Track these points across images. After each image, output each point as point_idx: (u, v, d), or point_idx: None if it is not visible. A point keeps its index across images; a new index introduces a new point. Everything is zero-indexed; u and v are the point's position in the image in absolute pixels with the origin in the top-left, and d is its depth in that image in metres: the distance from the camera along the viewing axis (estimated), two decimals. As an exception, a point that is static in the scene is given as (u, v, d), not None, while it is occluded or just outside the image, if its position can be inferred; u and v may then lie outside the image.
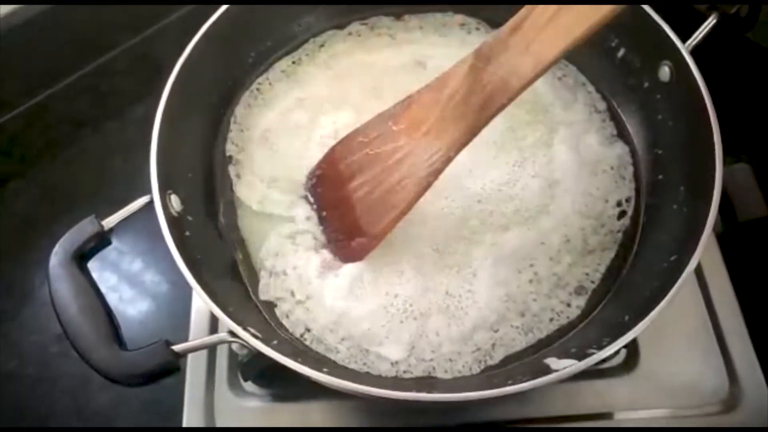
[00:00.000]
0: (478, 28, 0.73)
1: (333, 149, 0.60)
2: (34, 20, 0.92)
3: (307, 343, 0.57)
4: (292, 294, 0.59)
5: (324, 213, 0.60)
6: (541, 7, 0.48)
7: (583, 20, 0.47)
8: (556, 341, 0.57)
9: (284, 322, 0.58)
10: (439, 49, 0.70)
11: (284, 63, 0.72)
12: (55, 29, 0.95)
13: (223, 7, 0.64)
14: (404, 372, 0.56)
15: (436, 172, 0.53)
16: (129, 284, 0.81)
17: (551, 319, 0.58)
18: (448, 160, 0.52)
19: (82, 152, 0.93)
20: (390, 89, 0.64)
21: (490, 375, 0.55)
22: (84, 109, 0.97)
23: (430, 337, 0.56)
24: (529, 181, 0.63)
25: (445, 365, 0.56)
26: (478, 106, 0.50)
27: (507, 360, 0.56)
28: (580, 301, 0.59)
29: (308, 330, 0.58)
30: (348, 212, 0.57)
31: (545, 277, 0.59)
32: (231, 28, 0.65)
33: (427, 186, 0.54)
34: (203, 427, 0.63)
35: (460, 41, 0.71)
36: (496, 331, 0.57)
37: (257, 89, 0.71)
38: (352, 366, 0.56)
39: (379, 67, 0.70)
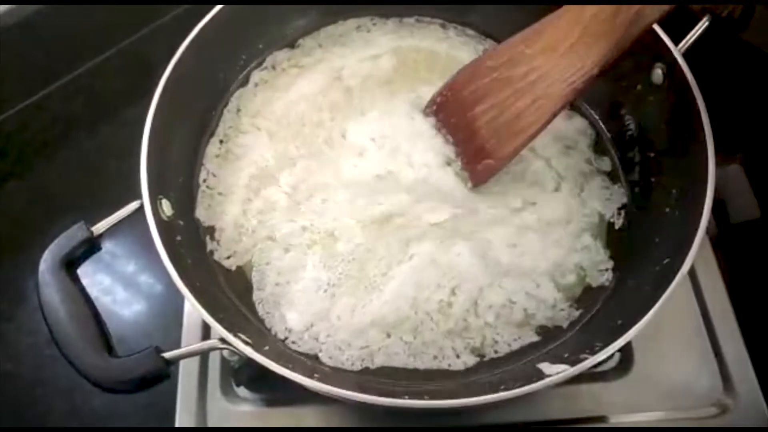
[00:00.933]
0: (374, 24, 0.73)
1: (454, 78, 0.60)
2: (28, 20, 0.92)
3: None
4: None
5: (449, 137, 0.61)
6: None
7: None
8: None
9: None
10: (347, 59, 0.70)
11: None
12: (50, 29, 0.95)
13: (212, 12, 0.64)
14: (292, 343, 0.57)
15: (575, 91, 0.54)
16: (121, 287, 0.80)
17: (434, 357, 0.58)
18: (591, 78, 0.53)
19: (77, 153, 0.93)
20: (326, 112, 0.67)
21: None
22: (79, 110, 0.97)
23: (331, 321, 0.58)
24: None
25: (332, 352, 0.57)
26: (627, 22, 0.50)
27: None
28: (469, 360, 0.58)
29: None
30: (472, 137, 0.59)
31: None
32: (222, 32, 0.65)
33: (564, 105, 0.55)
34: (200, 427, 0.63)
35: (363, 42, 0.72)
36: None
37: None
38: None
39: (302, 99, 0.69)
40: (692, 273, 0.68)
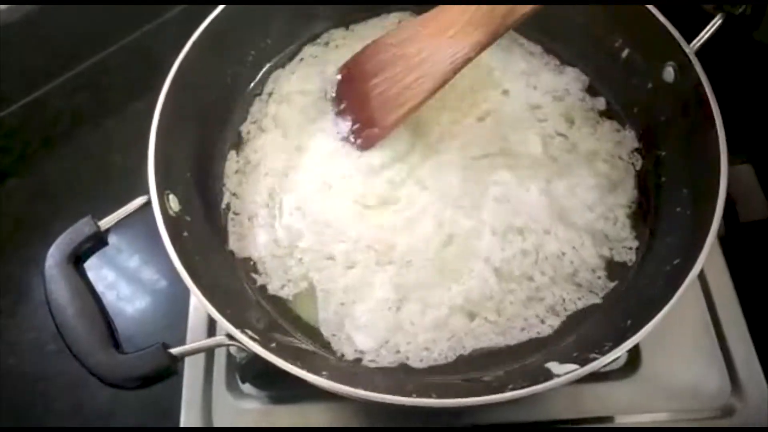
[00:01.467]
0: None
1: (364, 50, 0.66)
2: (32, 16, 0.92)
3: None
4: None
5: (342, 105, 0.66)
6: None
7: None
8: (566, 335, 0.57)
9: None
10: None
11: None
12: (53, 25, 0.95)
13: (218, 8, 0.64)
14: (369, 361, 0.57)
15: (455, 69, 0.59)
16: (127, 283, 0.80)
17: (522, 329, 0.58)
18: (468, 60, 0.59)
19: (81, 149, 0.93)
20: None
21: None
22: (83, 105, 0.96)
23: (406, 328, 0.57)
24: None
25: (421, 354, 0.57)
26: (501, 15, 0.56)
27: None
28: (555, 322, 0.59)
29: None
30: (365, 105, 0.64)
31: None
32: (229, 26, 0.65)
33: (443, 83, 0.60)
34: (202, 427, 0.63)
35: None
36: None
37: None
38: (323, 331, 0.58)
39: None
40: (701, 273, 0.67)
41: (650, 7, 0.60)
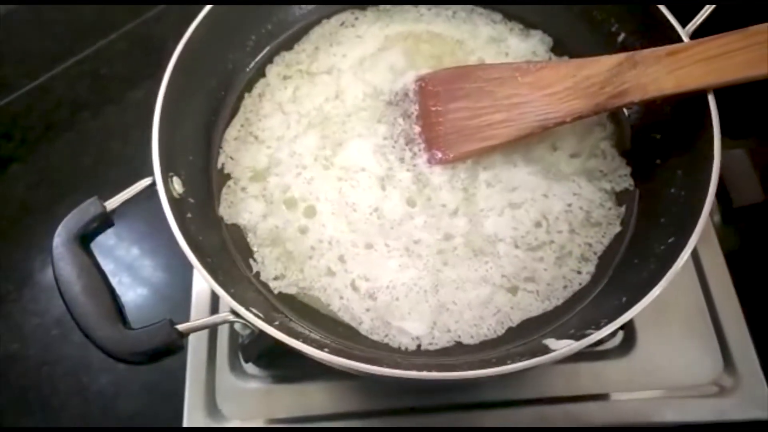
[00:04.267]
0: (356, 18, 0.74)
1: (447, 71, 0.66)
2: (35, 3, 0.92)
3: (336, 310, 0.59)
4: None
5: (414, 113, 0.66)
6: (705, 45, 0.55)
7: (737, 71, 0.54)
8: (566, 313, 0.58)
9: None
10: (348, 59, 0.71)
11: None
12: (55, 12, 0.95)
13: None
14: (428, 344, 0.57)
15: (544, 127, 0.60)
16: (128, 268, 0.82)
17: (565, 287, 0.59)
18: (561, 123, 0.60)
19: (82, 135, 0.94)
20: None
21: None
22: (84, 92, 0.97)
23: (451, 308, 0.58)
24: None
25: (470, 331, 0.58)
26: (610, 94, 0.57)
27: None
28: (590, 267, 0.60)
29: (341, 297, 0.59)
30: (436, 125, 0.64)
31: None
32: (231, 12, 0.65)
33: (528, 134, 0.60)
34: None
35: (354, 37, 0.73)
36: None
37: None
38: (374, 337, 0.57)
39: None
40: (695, 255, 0.69)
41: (646, -9, 0.61)
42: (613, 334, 0.65)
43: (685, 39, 0.58)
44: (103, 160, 0.91)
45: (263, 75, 0.71)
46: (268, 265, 0.61)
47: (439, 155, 0.63)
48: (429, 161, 0.63)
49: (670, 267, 0.50)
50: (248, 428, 0.64)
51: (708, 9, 0.60)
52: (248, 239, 0.63)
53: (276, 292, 0.60)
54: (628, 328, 0.66)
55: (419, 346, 0.57)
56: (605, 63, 0.59)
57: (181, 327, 0.48)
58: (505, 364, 0.47)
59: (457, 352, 0.56)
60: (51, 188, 0.89)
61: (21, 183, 0.89)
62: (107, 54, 1.00)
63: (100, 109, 0.96)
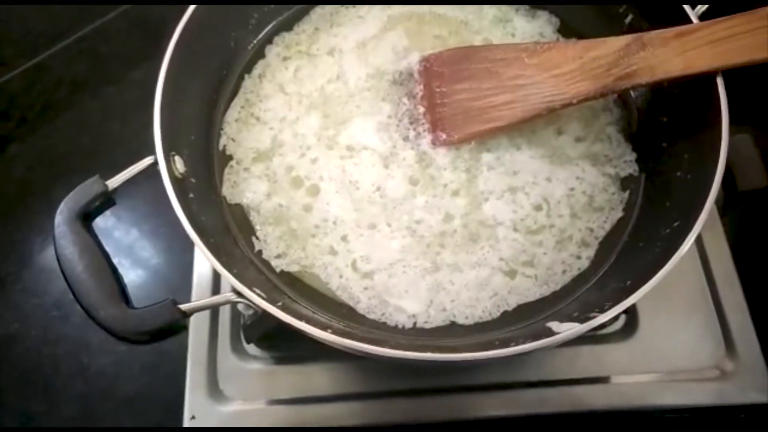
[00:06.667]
0: None
1: (452, 51, 0.65)
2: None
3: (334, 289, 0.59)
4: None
5: (419, 94, 0.65)
6: (713, 27, 0.55)
7: (744, 53, 0.54)
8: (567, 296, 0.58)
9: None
10: (349, 40, 0.70)
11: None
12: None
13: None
14: (424, 323, 0.57)
15: (550, 109, 0.59)
16: (128, 248, 0.81)
17: (564, 272, 0.59)
18: (567, 104, 0.59)
19: (81, 115, 0.93)
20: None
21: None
22: (83, 72, 0.96)
23: (447, 288, 0.58)
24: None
25: (465, 312, 0.58)
26: (617, 76, 0.57)
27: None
28: (590, 252, 0.60)
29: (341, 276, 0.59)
30: (441, 105, 0.63)
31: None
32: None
33: (534, 116, 0.60)
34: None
35: (356, 17, 0.72)
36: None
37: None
38: (371, 316, 0.58)
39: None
40: (698, 238, 0.69)
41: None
42: (616, 317, 0.64)
43: (694, 20, 0.58)
44: (103, 141, 0.90)
45: (263, 56, 0.70)
46: (270, 243, 0.61)
47: (444, 136, 0.63)
48: (433, 142, 0.63)
49: (675, 250, 0.50)
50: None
51: (717, -10, 0.59)
52: (251, 218, 0.62)
53: (278, 270, 0.60)
54: (631, 311, 0.66)
55: (415, 323, 0.57)
56: (613, 44, 0.58)
57: (184, 306, 0.48)
58: (508, 346, 0.47)
59: (451, 332, 0.56)
60: (50, 168, 0.89)
61: (20, 163, 0.89)
62: (107, 33, 0.99)
63: (100, 88, 0.95)
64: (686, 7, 0.58)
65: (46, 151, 0.90)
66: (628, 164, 0.63)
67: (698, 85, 0.56)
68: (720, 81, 0.55)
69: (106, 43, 0.98)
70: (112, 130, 0.91)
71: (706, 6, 0.59)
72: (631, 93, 0.65)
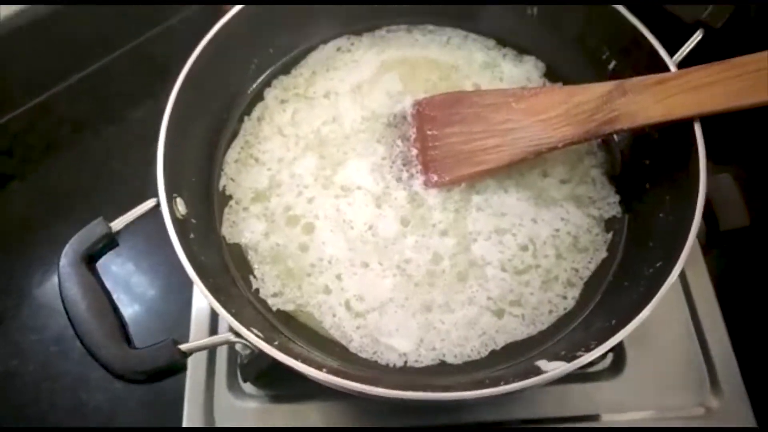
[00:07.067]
0: (352, 43, 0.76)
1: (444, 95, 0.67)
2: (39, 21, 0.94)
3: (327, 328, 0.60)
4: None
5: (413, 137, 0.68)
6: (690, 75, 0.58)
7: (720, 101, 0.56)
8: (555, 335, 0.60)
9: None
10: (345, 83, 0.73)
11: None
12: (59, 30, 0.97)
13: (229, 15, 0.66)
14: (414, 361, 0.59)
15: (537, 153, 0.62)
16: (127, 285, 0.82)
17: (550, 311, 0.61)
18: (553, 148, 0.61)
19: (83, 154, 0.95)
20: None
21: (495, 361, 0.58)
22: (85, 111, 0.99)
23: (437, 327, 0.60)
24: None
25: (455, 350, 0.59)
26: (600, 121, 0.60)
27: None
28: (575, 292, 0.62)
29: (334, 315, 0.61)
30: (433, 148, 0.65)
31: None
32: (236, 36, 0.67)
33: (521, 159, 0.62)
34: (204, 427, 0.65)
35: (351, 61, 0.75)
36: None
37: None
38: (363, 355, 0.59)
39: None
40: (683, 277, 0.71)
41: (635, 21, 0.63)
42: (603, 355, 0.66)
43: (673, 68, 0.61)
44: (104, 179, 0.92)
45: (262, 98, 0.73)
46: (267, 282, 0.63)
47: (435, 178, 0.65)
48: (425, 183, 0.65)
49: (658, 290, 0.52)
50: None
51: (695, 40, 0.62)
52: (249, 257, 0.64)
53: (274, 309, 0.61)
54: (618, 349, 0.67)
55: (405, 362, 0.59)
56: (596, 90, 0.61)
57: (183, 347, 0.49)
58: (498, 385, 0.49)
59: (441, 371, 0.58)
60: (51, 205, 0.90)
61: (21, 200, 0.90)
62: (108, 73, 1.01)
63: (101, 127, 0.97)
64: (665, 56, 0.61)
65: (47, 189, 0.92)
66: (611, 206, 0.65)
67: (678, 130, 0.59)
68: (697, 126, 0.58)
69: (108, 83, 1.01)
70: (113, 169, 0.93)
71: (684, 54, 0.62)
72: (615, 137, 0.67)
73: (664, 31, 0.63)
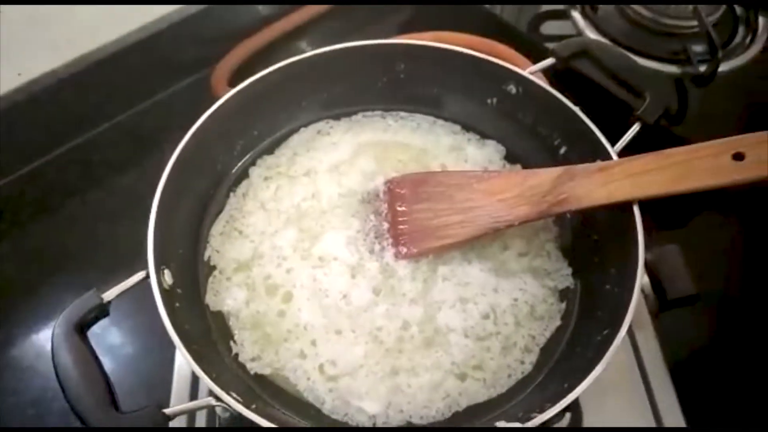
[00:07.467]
0: (331, 127, 0.82)
1: (416, 175, 0.74)
2: (34, 96, 0.99)
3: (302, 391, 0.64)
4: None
5: (385, 212, 0.74)
6: (629, 164, 0.65)
7: (656, 187, 0.63)
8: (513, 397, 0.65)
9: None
10: (324, 163, 0.80)
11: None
12: (52, 104, 1.02)
13: (218, 102, 0.72)
14: (383, 423, 0.63)
15: (495, 229, 0.68)
16: (112, 346, 0.85)
17: (509, 375, 0.66)
18: (510, 225, 0.68)
19: (71, 219, 0.99)
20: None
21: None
22: (74, 178, 1.03)
23: (404, 390, 0.64)
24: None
25: (421, 413, 0.63)
26: (551, 202, 0.66)
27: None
28: (532, 358, 0.67)
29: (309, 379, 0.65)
30: (403, 223, 0.71)
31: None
32: (223, 121, 0.73)
33: (482, 234, 0.68)
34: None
35: (329, 144, 0.81)
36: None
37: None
38: (334, 416, 0.63)
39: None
40: (633, 341, 0.77)
41: (581, 114, 0.71)
42: (562, 415, 0.70)
43: (614, 156, 0.68)
44: (91, 244, 0.96)
45: (247, 176, 0.78)
46: (247, 347, 0.67)
47: (404, 250, 0.71)
48: (396, 255, 0.71)
49: (603, 355, 0.57)
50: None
51: (632, 132, 0.70)
52: (230, 323, 0.68)
53: (252, 372, 0.65)
54: (575, 409, 0.72)
55: (374, 424, 0.62)
56: (547, 175, 0.68)
57: (167, 411, 0.53)
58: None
59: None
60: (38, 269, 0.94)
61: (9, 262, 0.93)
62: (98, 143, 1.07)
63: (89, 194, 1.02)
64: (607, 145, 0.69)
65: (35, 252, 0.95)
66: (565, 277, 0.71)
67: (620, 211, 0.66)
68: (636, 209, 0.64)
69: (97, 152, 1.06)
70: (100, 234, 0.97)
71: (624, 143, 0.70)
72: (567, 215, 0.74)
73: (606, 122, 0.71)
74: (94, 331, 0.83)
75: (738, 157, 0.62)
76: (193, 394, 0.72)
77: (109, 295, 0.59)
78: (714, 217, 0.96)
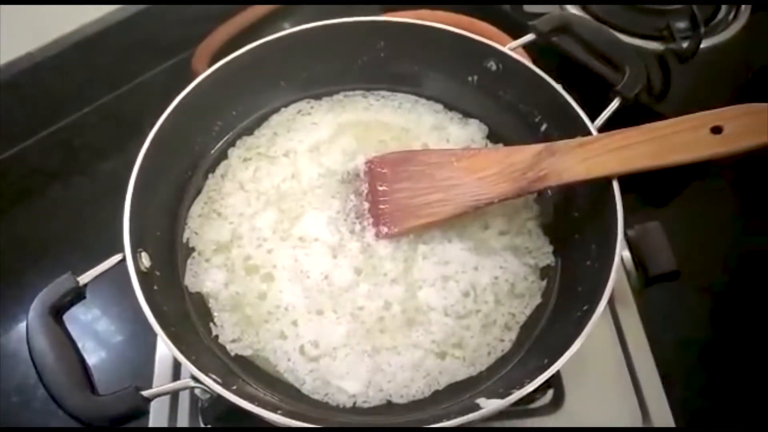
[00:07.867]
0: (312, 107, 0.82)
1: (396, 154, 0.73)
2: (15, 80, 0.98)
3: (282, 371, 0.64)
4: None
5: (365, 192, 0.73)
6: (609, 139, 0.64)
7: (635, 162, 0.63)
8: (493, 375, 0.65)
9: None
10: (304, 143, 0.79)
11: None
12: (34, 88, 1.01)
13: (195, 81, 0.71)
14: (363, 402, 0.63)
15: (476, 207, 0.68)
16: (93, 332, 0.85)
17: (489, 353, 0.66)
18: (490, 203, 0.68)
19: (53, 203, 0.99)
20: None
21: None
22: (56, 163, 1.03)
23: (385, 369, 0.64)
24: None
25: (401, 391, 0.63)
26: (531, 179, 0.66)
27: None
28: (512, 335, 0.67)
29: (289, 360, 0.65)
30: (383, 202, 0.71)
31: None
32: (201, 100, 0.72)
33: (462, 212, 0.68)
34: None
35: (310, 124, 0.81)
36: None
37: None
38: (315, 396, 0.63)
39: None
40: (617, 321, 0.77)
41: (560, 89, 0.71)
42: (544, 392, 0.72)
43: (594, 132, 0.68)
44: (72, 228, 0.95)
45: (226, 157, 0.77)
46: (227, 328, 0.67)
47: (385, 230, 0.70)
48: (376, 235, 0.71)
49: (582, 330, 0.57)
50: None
51: (612, 108, 0.70)
52: (209, 305, 0.68)
53: (232, 354, 0.65)
54: (557, 385, 0.72)
55: (354, 403, 0.62)
56: (527, 152, 0.68)
57: (146, 393, 0.53)
58: (440, 422, 0.53)
59: (388, 411, 0.62)
60: (20, 254, 0.93)
61: (-11, 247, 0.93)
62: (80, 126, 1.06)
63: (71, 178, 1.01)
64: (587, 120, 0.69)
65: (17, 238, 0.95)
66: (545, 255, 0.71)
67: (600, 187, 0.66)
68: (615, 184, 0.64)
69: (80, 136, 1.06)
70: (83, 218, 0.96)
71: (603, 119, 0.70)
72: (548, 192, 0.74)
73: (589, 98, 0.71)
74: (78, 317, 0.86)
75: (716, 130, 0.62)
76: (176, 377, 0.72)
77: (85, 278, 0.58)
78: (698, 193, 0.97)
